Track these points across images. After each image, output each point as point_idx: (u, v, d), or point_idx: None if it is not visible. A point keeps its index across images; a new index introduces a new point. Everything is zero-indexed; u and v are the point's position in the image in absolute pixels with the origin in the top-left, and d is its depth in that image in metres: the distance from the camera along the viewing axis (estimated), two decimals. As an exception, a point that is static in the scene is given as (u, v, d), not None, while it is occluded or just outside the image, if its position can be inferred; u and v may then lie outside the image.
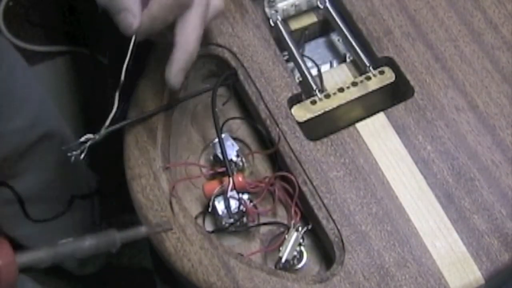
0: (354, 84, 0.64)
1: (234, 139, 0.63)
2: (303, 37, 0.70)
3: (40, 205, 0.90)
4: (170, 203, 0.58)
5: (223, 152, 0.59)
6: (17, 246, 0.90)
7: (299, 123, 0.62)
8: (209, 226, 0.60)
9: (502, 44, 0.65)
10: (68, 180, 0.95)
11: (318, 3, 0.69)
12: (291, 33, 0.68)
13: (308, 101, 0.63)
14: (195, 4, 0.55)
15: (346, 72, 0.67)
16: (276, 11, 0.68)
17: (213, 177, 0.62)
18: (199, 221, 0.61)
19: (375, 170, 0.59)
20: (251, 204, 0.59)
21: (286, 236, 0.57)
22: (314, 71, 0.67)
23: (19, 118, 0.79)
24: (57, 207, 0.93)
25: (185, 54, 0.55)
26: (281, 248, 0.57)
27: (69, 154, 0.58)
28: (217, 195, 0.59)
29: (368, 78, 0.64)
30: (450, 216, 0.57)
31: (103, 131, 0.59)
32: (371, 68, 0.65)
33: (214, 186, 0.60)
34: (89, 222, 1.05)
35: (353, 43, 0.66)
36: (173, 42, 0.55)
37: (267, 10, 0.68)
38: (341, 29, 0.67)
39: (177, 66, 0.55)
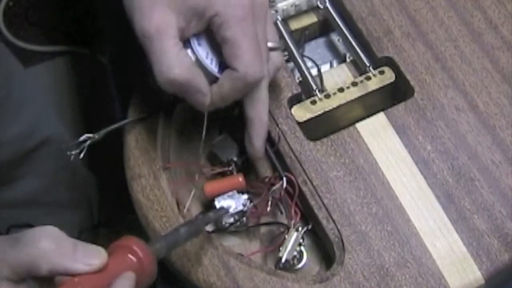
0: (354, 84, 0.64)
1: (234, 139, 0.63)
2: (303, 37, 0.70)
3: (38, 209, 0.90)
4: (177, 204, 0.58)
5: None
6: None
7: (299, 123, 0.62)
8: (209, 226, 0.60)
9: (502, 44, 0.65)
10: (67, 185, 0.94)
11: (318, 3, 0.69)
12: (291, 33, 0.68)
13: (308, 101, 0.63)
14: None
15: (346, 72, 0.67)
16: (276, 11, 0.68)
17: (213, 177, 0.62)
18: (199, 221, 0.61)
19: (375, 170, 0.59)
20: (251, 204, 0.59)
21: (286, 236, 0.57)
22: (314, 71, 0.67)
23: (17, 126, 0.79)
24: (56, 210, 0.93)
25: (261, 127, 0.58)
26: (281, 248, 0.57)
27: (68, 153, 0.59)
28: (217, 195, 0.59)
29: (368, 78, 0.64)
30: (450, 216, 0.57)
31: (103, 131, 0.59)
32: (371, 68, 0.65)
33: (214, 186, 0.60)
34: (88, 224, 1.05)
35: (353, 43, 0.66)
36: (245, 116, 0.57)
37: (267, 10, 0.68)
38: (341, 29, 0.67)
39: (259, 141, 0.58)
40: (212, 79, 0.55)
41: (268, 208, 0.58)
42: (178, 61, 0.53)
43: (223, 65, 0.55)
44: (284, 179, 0.59)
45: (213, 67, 0.55)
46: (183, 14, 0.53)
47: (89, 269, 0.44)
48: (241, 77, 0.53)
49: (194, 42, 0.55)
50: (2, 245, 0.44)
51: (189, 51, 0.55)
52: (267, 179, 0.60)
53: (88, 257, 0.45)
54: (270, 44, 0.56)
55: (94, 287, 0.44)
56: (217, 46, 0.55)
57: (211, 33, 0.55)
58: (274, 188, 0.58)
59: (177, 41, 0.53)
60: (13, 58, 0.82)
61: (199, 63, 0.55)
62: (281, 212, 0.61)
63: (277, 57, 0.58)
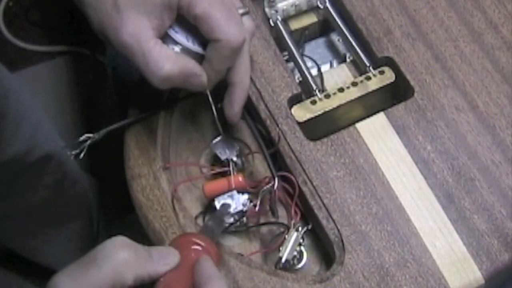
0: (354, 84, 0.64)
1: (234, 139, 0.63)
2: (303, 37, 0.70)
3: (38, 219, 0.89)
4: (173, 205, 0.58)
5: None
6: (15, 257, 0.89)
7: (299, 123, 0.62)
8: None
9: (502, 44, 0.65)
10: (67, 196, 0.94)
11: (318, 3, 0.69)
12: (291, 33, 0.68)
13: (308, 101, 0.63)
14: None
15: (346, 72, 0.67)
16: (276, 11, 0.68)
17: (213, 177, 0.62)
18: (199, 221, 0.61)
19: (375, 170, 0.59)
20: (251, 204, 0.59)
21: (286, 236, 0.57)
22: (314, 71, 0.67)
23: (15, 145, 0.78)
24: (56, 221, 0.93)
25: (243, 92, 0.59)
26: (281, 248, 0.57)
27: (68, 153, 0.59)
28: (217, 195, 0.59)
29: (368, 78, 0.64)
30: (450, 216, 0.57)
31: (102, 131, 0.59)
32: (371, 68, 0.65)
33: (214, 186, 0.60)
34: (88, 230, 1.05)
35: (353, 43, 0.66)
36: (228, 81, 0.58)
37: (267, 10, 0.68)
38: (341, 29, 0.67)
39: (237, 105, 0.59)
40: (201, 59, 0.57)
41: (257, 208, 0.58)
42: (164, 58, 0.54)
43: (205, 42, 0.56)
44: (276, 179, 0.59)
45: (197, 47, 0.56)
46: (153, 14, 0.54)
47: (169, 268, 0.47)
48: (225, 45, 0.54)
49: (171, 32, 0.56)
50: (78, 270, 0.44)
51: (170, 42, 0.56)
52: (266, 179, 0.60)
53: (165, 257, 0.47)
54: (239, 11, 0.57)
55: (181, 281, 0.47)
56: (192, 27, 0.56)
57: (183, 18, 0.56)
58: (264, 188, 0.59)
59: (156, 40, 0.55)
60: (11, 76, 0.81)
61: (183, 49, 0.56)
62: (273, 214, 0.60)
63: (248, 22, 0.59)
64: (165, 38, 0.56)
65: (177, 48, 0.56)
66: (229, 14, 0.54)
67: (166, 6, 0.54)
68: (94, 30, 0.57)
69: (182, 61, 0.55)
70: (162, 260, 0.47)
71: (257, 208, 0.58)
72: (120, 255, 0.45)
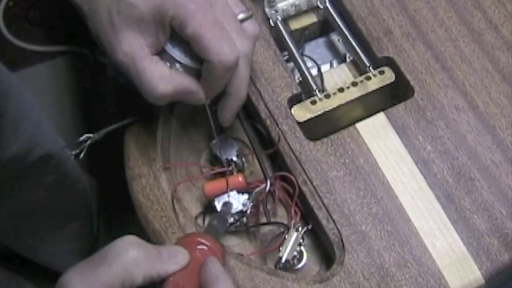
0: (354, 84, 0.64)
1: (234, 139, 0.63)
2: (303, 37, 0.70)
3: (39, 219, 0.89)
4: (173, 205, 0.58)
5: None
6: (15, 257, 0.88)
7: (299, 123, 0.62)
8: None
9: (502, 44, 0.65)
10: (68, 196, 0.94)
11: (318, 3, 0.69)
12: (291, 33, 0.68)
13: (308, 101, 0.63)
14: (240, 57, 0.56)
15: (346, 72, 0.67)
16: (276, 11, 0.68)
17: (213, 177, 0.62)
18: (199, 221, 0.61)
19: (375, 170, 0.59)
20: (251, 204, 0.59)
21: (286, 236, 0.57)
22: (314, 71, 0.67)
23: (15, 144, 0.78)
24: (56, 220, 0.93)
25: (236, 101, 0.59)
26: (281, 248, 0.57)
27: (69, 153, 0.59)
28: (217, 195, 0.59)
29: (368, 78, 0.64)
30: (450, 216, 0.57)
31: (102, 131, 0.59)
32: (371, 68, 0.65)
33: (214, 186, 0.60)
34: (88, 230, 1.05)
35: (353, 43, 0.66)
36: (224, 89, 0.58)
37: (267, 10, 0.68)
38: (341, 29, 0.67)
39: (230, 112, 0.59)
40: (200, 73, 0.56)
41: (248, 211, 0.58)
42: (159, 77, 0.54)
43: None
44: (268, 182, 0.59)
45: (194, 62, 0.56)
46: (147, 32, 0.54)
47: (178, 267, 0.47)
48: (217, 66, 0.54)
49: (169, 48, 0.55)
50: (88, 268, 0.45)
51: (168, 59, 0.55)
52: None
53: (174, 256, 0.48)
54: (240, 16, 0.57)
55: (189, 280, 0.48)
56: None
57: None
58: (256, 190, 0.58)
59: (151, 58, 0.54)
60: (10, 75, 0.81)
61: (182, 65, 0.56)
62: (266, 216, 0.60)
63: (251, 26, 0.58)
64: (162, 54, 0.55)
65: (177, 65, 0.55)
66: (220, 32, 0.54)
67: (159, 24, 0.54)
68: (94, 39, 0.57)
69: (177, 80, 0.55)
70: (172, 259, 0.48)
71: (248, 211, 0.58)
72: (130, 253, 0.45)
